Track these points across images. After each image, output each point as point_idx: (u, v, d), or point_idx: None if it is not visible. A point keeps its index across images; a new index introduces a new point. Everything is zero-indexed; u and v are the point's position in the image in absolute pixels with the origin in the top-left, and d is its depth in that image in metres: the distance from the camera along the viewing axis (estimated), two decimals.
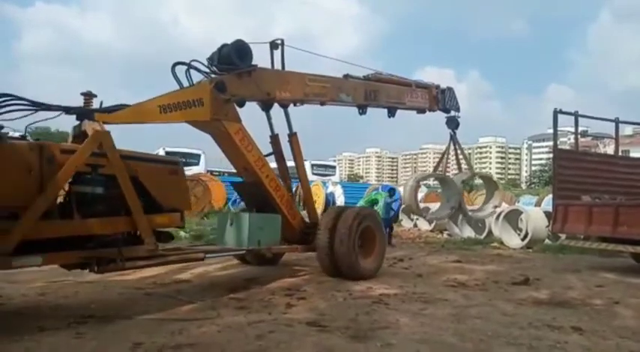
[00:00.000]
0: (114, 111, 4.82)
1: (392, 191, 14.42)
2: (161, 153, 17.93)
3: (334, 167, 31.06)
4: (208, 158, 23.41)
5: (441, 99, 8.66)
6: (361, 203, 15.08)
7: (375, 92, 7.47)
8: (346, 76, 7.33)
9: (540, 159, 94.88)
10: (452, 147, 9.62)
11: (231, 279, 6.42)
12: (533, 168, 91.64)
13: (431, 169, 10.95)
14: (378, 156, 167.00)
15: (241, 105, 6.02)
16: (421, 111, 8.44)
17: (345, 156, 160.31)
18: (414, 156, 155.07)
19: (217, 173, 22.39)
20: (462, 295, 5.72)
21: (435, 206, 12.37)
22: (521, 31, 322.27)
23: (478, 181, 14.94)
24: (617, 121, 9.99)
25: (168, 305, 4.84)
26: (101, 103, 4.85)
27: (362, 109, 7.55)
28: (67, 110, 4.64)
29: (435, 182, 16.06)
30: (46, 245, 4.09)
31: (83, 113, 4.68)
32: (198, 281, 6.30)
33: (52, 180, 4.06)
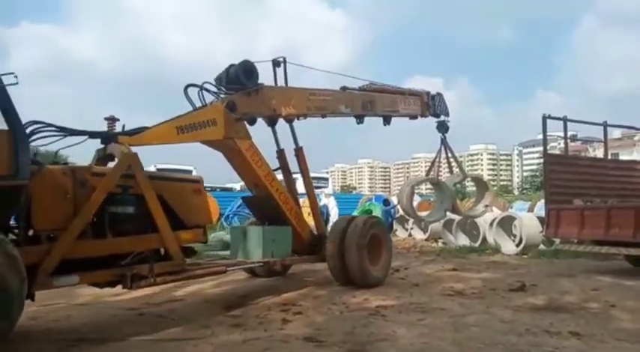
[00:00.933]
0: (136, 134, 5.03)
1: (386, 201, 14.46)
2: (152, 169, 17.85)
3: (327, 179, 31.04)
4: (199, 173, 23.32)
5: (432, 105, 8.84)
6: (355, 214, 15.09)
7: (371, 102, 7.76)
8: (343, 88, 7.57)
9: (531, 164, 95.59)
10: (443, 151, 9.61)
11: (225, 297, 6.35)
12: (525, 173, 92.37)
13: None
14: (371, 167, 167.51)
15: (252, 123, 6.37)
16: (413, 117, 8.71)
17: (338, 168, 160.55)
18: (406, 166, 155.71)
19: (209, 188, 22.30)
20: (459, 303, 5.69)
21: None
22: (508, 37, 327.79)
23: (470, 189, 15.16)
24: (605, 125, 10.13)
25: (162, 325, 4.76)
26: (123, 127, 5.05)
27: (359, 119, 7.81)
28: (92, 134, 4.87)
29: (427, 190, 16.19)
30: (80, 264, 4.27)
31: (108, 137, 4.92)
32: (191, 299, 6.22)
33: (87, 201, 4.30)
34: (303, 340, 4.17)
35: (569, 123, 9.57)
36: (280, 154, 7.17)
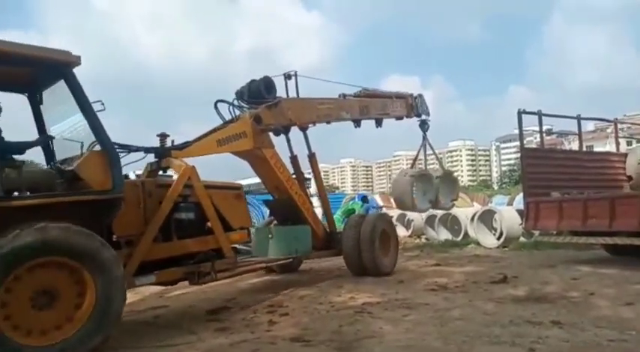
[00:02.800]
0: (184, 148, 5.68)
1: (364, 198, 14.76)
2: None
3: (309, 179, 31.00)
4: None
5: (415, 106, 9.48)
6: (338, 213, 15.12)
7: (366, 107, 8.46)
8: (343, 96, 8.27)
9: (509, 159, 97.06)
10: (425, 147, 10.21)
11: (210, 301, 6.28)
12: (503, 168, 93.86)
13: None
14: (353, 166, 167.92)
15: (278, 134, 7.07)
16: (400, 118, 9.40)
17: (320, 168, 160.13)
18: (388, 164, 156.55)
19: None
20: (444, 298, 5.75)
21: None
22: (480, 34, 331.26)
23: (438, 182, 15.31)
24: (579, 118, 10.32)
25: (147, 332, 4.70)
26: (172, 142, 5.63)
27: (357, 123, 8.49)
28: (148, 150, 5.37)
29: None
30: (150, 266, 4.76)
31: (162, 152, 5.47)
32: (175, 305, 6.15)
33: (157, 210, 4.87)
34: (290, 340, 4.17)
35: (544, 118, 9.74)
36: (294, 160, 7.74)
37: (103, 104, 4.29)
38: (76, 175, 4.19)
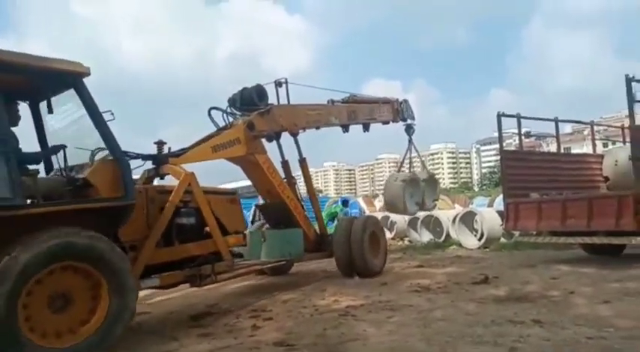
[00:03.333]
0: (180, 155, 5.85)
1: (345, 202, 15.04)
2: None
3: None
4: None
5: (401, 111, 9.76)
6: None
7: (354, 112, 8.73)
8: (331, 102, 8.53)
9: (489, 161, 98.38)
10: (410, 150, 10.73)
11: (192, 307, 6.21)
12: (484, 170, 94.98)
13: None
14: (336, 170, 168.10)
15: (270, 140, 7.30)
16: (386, 122, 9.62)
17: None
18: (371, 167, 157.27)
19: None
20: (427, 299, 5.79)
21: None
22: (461, 38, 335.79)
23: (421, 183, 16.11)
24: (556, 120, 10.50)
25: (128, 340, 4.60)
26: (169, 149, 5.78)
27: (345, 128, 8.77)
28: (145, 157, 5.49)
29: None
30: (151, 269, 4.89)
31: (160, 159, 5.62)
32: (158, 311, 6.07)
33: (159, 215, 5.06)
34: (273, 345, 4.15)
35: (523, 120, 9.90)
36: (285, 165, 7.92)
37: (112, 114, 4.43)
38: (87, 183, 4.38)
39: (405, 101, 10.05)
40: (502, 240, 11.73)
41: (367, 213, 18.05)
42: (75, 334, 3.86)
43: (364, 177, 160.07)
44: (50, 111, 4.76)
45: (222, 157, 6.58)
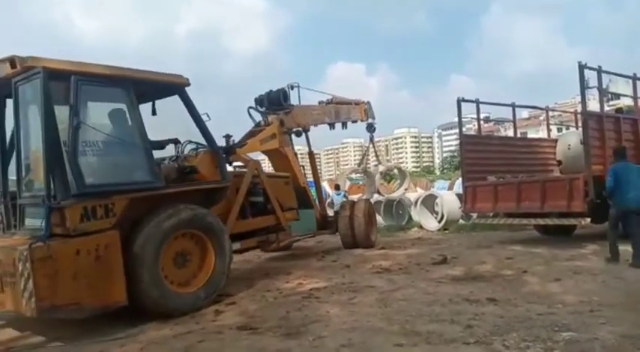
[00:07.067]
0: (241, 147, 7.09)
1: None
2: None
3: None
4: None
5: (367, 111, 10.78)
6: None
7: (337, 112, 9.84)
8: (320, 103, 9.68)
9: (450, 145, 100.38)
10: (371, 146, 12.87)
11: None
12: (445, 154, 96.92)
13: (352, 162, 13.38)
14: (301, 154, 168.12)
15: (299, 135, 8.81)
16: (355, 121, 10.62)
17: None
18: (336, 151, 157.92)
19: None
20: (387, 280, 5.93)
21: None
22: (423, 23, 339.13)
23: (395, 174, 17.91)
24: (513, 106, 10.82)
25: (86, 328, 4.48)
26: (233, 141, 6.97)
27: (331, 126, 9.79)
28: (222, 149, 6.18)
29: (358, 175, 19.04)
30: (233, 238, 5.83)
31: (228, 149, 6.57)
32: None
33: (239, 194, 6.24)
34: (236, 329, 4.16)
35: (481, 105, 10.15)
36: (311, 156, 9.89)
37: (208, 116, 5.59)
38: (194, 169, 5.51)
39: (369, 103, 11.02)
40: (461, 221, 12.10)
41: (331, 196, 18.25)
42: (189, 285, 5.02)
43: (329, 161, 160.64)
44: (154, 113, 5.52)
45: (264, 149, 7.94)
